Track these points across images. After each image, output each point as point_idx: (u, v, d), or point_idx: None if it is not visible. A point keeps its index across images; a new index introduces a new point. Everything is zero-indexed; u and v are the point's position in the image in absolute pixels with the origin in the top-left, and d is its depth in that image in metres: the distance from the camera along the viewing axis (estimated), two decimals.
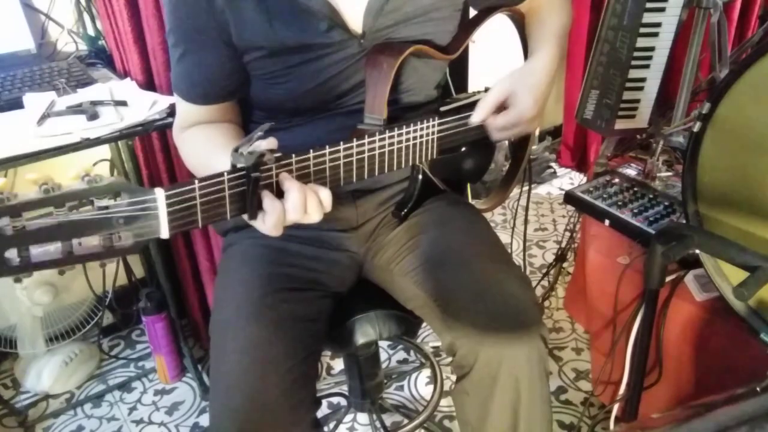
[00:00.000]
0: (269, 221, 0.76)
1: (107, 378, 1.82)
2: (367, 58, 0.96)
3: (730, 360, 1.14)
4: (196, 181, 0.70)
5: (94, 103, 1.29)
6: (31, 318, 1.67)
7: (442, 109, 1.04)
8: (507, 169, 1.29)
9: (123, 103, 1.32)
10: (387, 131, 0.92)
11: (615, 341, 1.30)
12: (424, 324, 1.11)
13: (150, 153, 1.62)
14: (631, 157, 1.63)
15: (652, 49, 1.41)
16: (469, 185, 1.26)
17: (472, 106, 1.07)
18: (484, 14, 1.09)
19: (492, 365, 0.92)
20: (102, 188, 0.61)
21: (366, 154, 0.89)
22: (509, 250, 2.18)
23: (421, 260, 1.03)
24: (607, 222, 1.40)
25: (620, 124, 1.49)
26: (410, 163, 0.99)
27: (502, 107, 1.02)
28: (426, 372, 1.79)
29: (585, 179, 1.74)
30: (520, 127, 1.03)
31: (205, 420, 1.67)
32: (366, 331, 1.10)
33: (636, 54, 1.40)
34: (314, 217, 0.78)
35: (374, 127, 0.95)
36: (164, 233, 0.67)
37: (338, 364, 1.81)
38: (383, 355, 1.85)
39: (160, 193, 0.66)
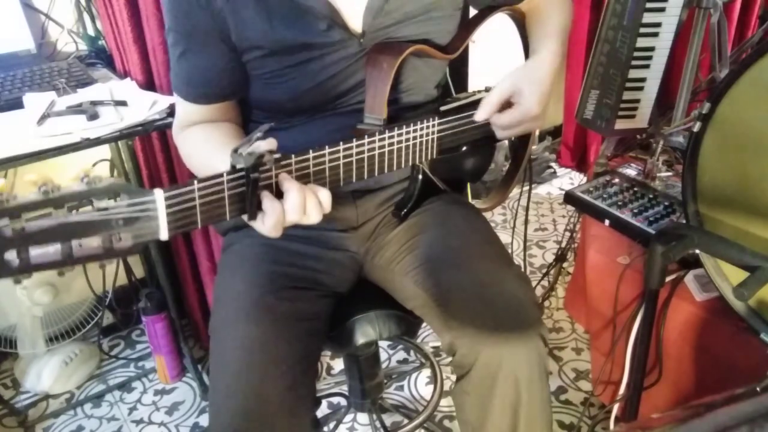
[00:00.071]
0: (268, 222, 0.76)
1: (107, 378, 1.82)
2: (367, 57, 0.96)
3: (730, 360, 1.14)
4: (196, 182, 0.70)
5: (94, 103, 1.29)
6: (31, 318, 1.67)
7: (442, 108, 1.04)
8: (507, 169, 1.29)
9: (123, 103, 1.32)
10: (387, 131, 0.92)
11: (615, 341, 1.30)
12: (424, 324, 1.11)
13: (150, 153, 1.62)
14: (631, 157, 1.63)
15: (652, 49, 1.41)
16: (469, 185, 1.26)
17: (472, 105, 1.07)
18: (485, 13, 1.09)
19: (492, 365, 0.92)
20: (101, 189, 0.61)
21: (366, 154, 0.89)
22: (509, 250, 2.18)
23: (421, 260, 1.03)
24: (607, 222, 1.40)
25: (620, 124, 1.49)
26: (410, 163, 0.98)
27: (506, 105, 1.01)
28: (426, 372, 1.79)
29: (585, 179, 1.74)
30: (524, 125, 1.03)
31: (205, 420, 1.67)
32: (366, 331, 1.10)
33: (636, 54, 1.40)
34: (313, 218, 0.78)
35: (374, 127, 0.95)
36: (164, 235, 0.67)
37: (338, 364, 1.81)
38: (383, 355, 1.85)
39: (159, 195, 0.66)
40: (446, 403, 1.65)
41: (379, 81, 0.95)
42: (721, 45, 1.46)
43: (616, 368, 1.33)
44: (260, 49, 0.94)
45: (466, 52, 1.11)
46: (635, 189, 1.46)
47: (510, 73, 1.02)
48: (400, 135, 0.93)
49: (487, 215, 1.22)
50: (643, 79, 1.44)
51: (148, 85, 1.51)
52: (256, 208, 0.75)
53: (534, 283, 1.97)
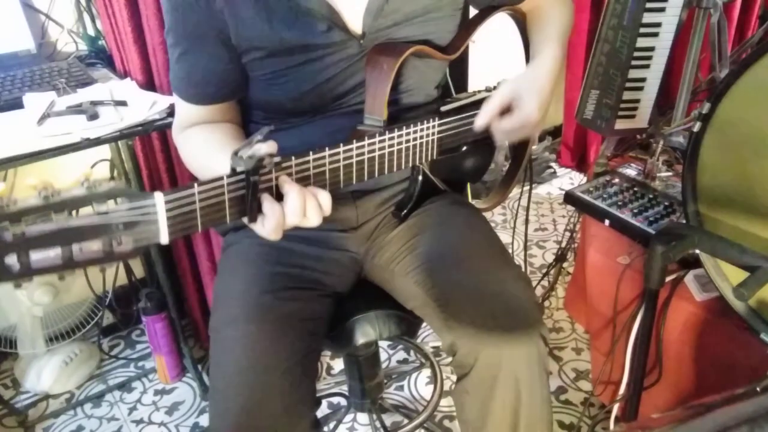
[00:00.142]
0: (269, 225, 0.76)
1: (107, 378, 1.82)
2: (367, 58, 0.96)
3: (730, 360, 1.14)
4: (196, 186, 0.69)
5: (94, 103, 1.29)
6: (31, 318, 1.67)
7: (443, 109, 1.04)
8: (507, 169, 1.29)
9: (123, 103, 1.32)
10: (387, 132, 0.91)
11: (615, 341, 1.30)
12: (424, 324, 1.11)
13: (150, 153, 1.62)
14: (631, 157, 1.63)
15: (652, 49, 1.41)
16: (469, 185, 1.26)
17: (472, 105, 1.07)
18: (485, 13, 1.09)
19: (492, 365, 0.92)
20: (101, 193, 0.61)
21: (366, 156, 0.89)
22: (509, 250, 2.17)
23: (422, 260, 1.03)
24: (607, 222, 1.40)
25: (620, 124, 1.49)
26: (410, 164, 0.98)
27: (505, 111, 1.01)
28: (426, 372, 1.79)
29: (585, 179, 1.74)
30: (524, 130, 1.02)
31: (205, 420, 1.67)
32: (366, 331, 1.09)
33: (636, 54, 1.40)
34: (313, 221, 0.78)
35: (374, 128, 0.95)
36: (164, 239, 0.67)
37: (338, 364, 1.81)
38: (383, 355, 1.85)
39: (159, 198, 0.66)
40: (446, 403, 1.65)
41: (379, 82, 0.95)
42: (721, 45, 1.46)
43: (616, 368, 1.33)
44: (260, 50, 0.94)
45: (466, 52, 1.11)
46: (635, 189, 1.46)
47: (510, 79, 1.02)
48: (400, 136, 0.93)
49: (487, 215, 1.22)
50: (643, 79, 1.44)
51: (148, 85, 1.51)
52: (256, 211, 0.75)
53: (534, 283, 1.98)
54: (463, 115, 1.03)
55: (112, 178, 1.76)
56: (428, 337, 1.87)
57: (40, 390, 1.75)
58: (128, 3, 1.44)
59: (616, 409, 1.35)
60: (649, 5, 1.35)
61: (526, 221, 1.61)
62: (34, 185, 0.58)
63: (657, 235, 1.04)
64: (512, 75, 1.04)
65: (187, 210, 0.69)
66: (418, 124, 0.96)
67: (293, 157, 0.79)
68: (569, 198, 1.49)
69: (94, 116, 1.25)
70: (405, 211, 1.09)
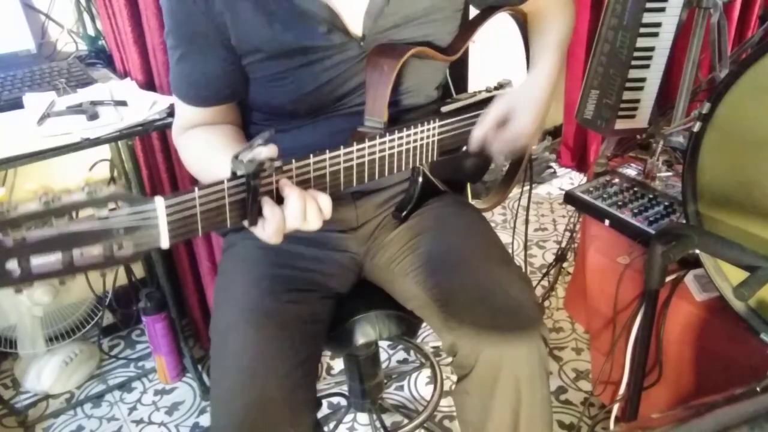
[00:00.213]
0: (269, 229, 0.75)
1: (107, 378, 1.82)
2: (368, 60, 0.96)
3: (730, 360, 1.14)
4: (196, 190, 0.69)
5: (94, 103, 1.29)
6: (31, 318, 1.67)
7: (443, 110, 1.04)
8: (507, 169, 1.29)
9: (123, 103, 1.32)
10: (387, 134, 0.91)
11: (615, 341, 1.30)
12: (424, 324, 1.11)
13: (150, 153, 1.62)
14: (631, 157, 1.63)
15: (652, 49, 1.41)
16: (469, 185, 1.26)
17: (473, 106, 1.07)
18: (487, 14, 1.09)
19: (493, 365, 0.92)
20: (102, 198, 0.61)
21: (366, 158, 0.89)
22: (509, 250, 2.17)
23: (422, 261, 1.03)
24: (607, 222, 1.40)
25: (620, 124, 1.49)
26: (411, 166, 0.98)
27: (501, 123, 1.02)
28: (426, 372, 1.79)
29: (585, 179, 1.74)
30: (519, 143, 1.03)
31: (205, 420, 1.67)
32: (366, 331, 1.09)
33: (636, 54, 1.40)
34: (313, 224, 0.78)
35: (374, 130, 0.95)
36: (164, 243, 0.67)
37: (338, 364, 1.81)
38: (383, 355, 1.85)
39: (159, 203, 0.65)
40: (446, 403, 1.65)
41: (380, 84, 0.95)
42: (721, 45, 1.46)
43: (616, 368, 1.33)
44: (260, 53, 0.93)
45: (466, 52, 1.11)
46: (635, 189, 1.46)
47: (506, 91, 1.03)
48: (400, 138, 0.93)
49: (487, 215, 1.22)
50: (643, 79, 1.44)
51: (148, 85, 1.51)
52: (257, 214, 0.75)
53: (534, 283, 1.98)
54: (464, 116, 1.03)
55: (112, 178, 1.76)
56: (428, 337, 1.87)
57: (40, 390, 1.75)
58: (128, 3, 1.44)
59: (616, 409, 1.35)
60: (649, 5, 1.35)
61: (526, 221, 1.61)
62: (35, 190, 0.58)
63: (657, 235, 1.05)
64: (509, 86, 1.06)
65: (187, 214, 0.69)
66: (419, 125, 0.96)
67: (294, 161, 0.79)
68: (569, 198, 1.49)
69: (94, 116, 1.25)
70: (405, 212, 1.09)
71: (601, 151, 1.64)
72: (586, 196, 1.46)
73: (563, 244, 1.87)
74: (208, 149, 0.96)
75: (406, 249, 1.06)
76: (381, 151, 0.91)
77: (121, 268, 1.88)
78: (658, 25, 1.38)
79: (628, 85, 1.43)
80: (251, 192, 0.73)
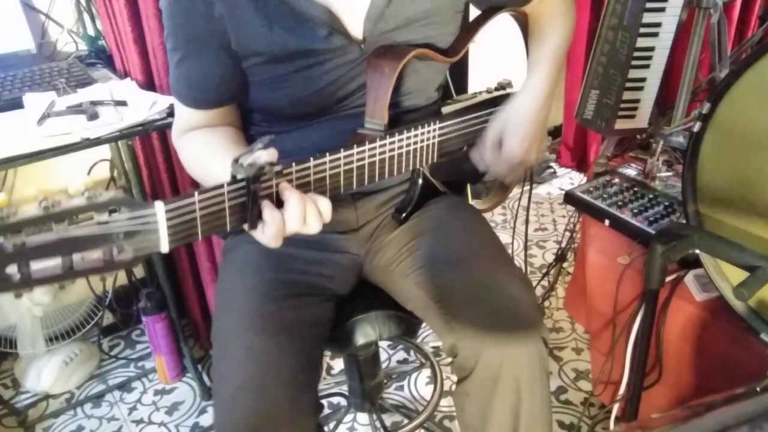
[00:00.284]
0: (269, 232, 0.75)
1: (107, 378, 1.82)
2: (368, 61, 0.96)
3: (730, 360, 1.14)
4: (196, 194, 0.69)
5: (94, 103, 1.29)
6: (31, 318, 1.67)
7: (444, 111, 1.04)
8: None
9: (123, 103, 1.32)
10: (388, 137, 0.91)
11: (615, 341, 1.30)
12: (424, 324, 1.11)
13: (150, 153, 1.63)
14: (631, 157, 1.63)
15: (652, 49, 1.41)
16: (469, 186, 1.26)
17: (473, 108, 1.07)
18: (488, 14, 1.08)
19: (493, 367, 0.92)
20: (102, 203, 0.61)
21: (366, 161, 0.89)
22: (509, 250, 2.18)
23: (422, 262, 1.03)
24: (607, 222, 1.40)
25: (620, 124, 1.49)
26: (411, 168, 0.98)
27: (498, 144, 1.04)
28: (426, 372, 1.79)
29: (585, 179, 1.74)
30: (516, 162, 1.04)
31: (205, 420, 1.67)
32: (366, 331, 1.09)
33: (636, 54, 1.40)
34: (313, 227, 0.78)
35: (375, 132, 0.95)
36: (164, 247, 0.67)
37: (338, 364, 1.81)
38: (383, 355, 1.85)
39: (159, 207, 0.65)
40: (446, 403, 1.65)
41: (381, 85, 0.94)
42: (721, 45, 1.46)
43: (616, 368, 1.33)
44: (260, 56, 0.93)
45: (466, 52, 1.11)
46: (635, 189, 1.46)
47: (498, 113, 1.04)
48: (401, 141, 0.93)
49: (487, 215, 1.22)
50: (643, 79, 1.44)
51: (148, 85, 1.51)
52: (256, 218, 0.75)
53: (534, 283, 1.98)
54: (464, 118, 1.03)
55: (112, 178, 1.76)
56: (428, 337, 1.87)
57: (40, 390, 1.75)
58: (128, 3, 1.44)
59: (616, 409, 1.35)
60: (649, 5, 1.35)
61: (527, 221, 1.61)
62: (34, 195, 0.58)
63: (657, 235, 1.04)
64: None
65: (187, 219, 0.69)
66: (419, 127, 0.95)
67: (294, 164, 0.78)
68: (569, 198, 1.49)
69: (94, 116, 1.25)
70: (405, 213, 1.09)
71: (601, 151, 1.64)
72: (586, 196, 1.46)
73: (563, 244, 1.87)
74: (207, 151, 0.96)
75: (407, 250, 1.06)
76: (381, 153, 0.90)
77: None
78: (658, 25, 1.38)
79: (628, 85, 1.43)
80: (251, 196, 0.73)
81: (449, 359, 1.00)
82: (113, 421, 1.68)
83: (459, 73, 1.23)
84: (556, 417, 1.59)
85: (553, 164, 2.77)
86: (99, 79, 1.45)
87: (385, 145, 0.91)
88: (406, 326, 1.12)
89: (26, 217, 0.57)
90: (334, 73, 0.96)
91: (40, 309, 1.67)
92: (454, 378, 1.02)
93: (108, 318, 1.94)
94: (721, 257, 1.02)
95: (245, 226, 0.75)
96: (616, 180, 1.50)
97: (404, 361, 1.85)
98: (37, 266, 0.58)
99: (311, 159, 0.81)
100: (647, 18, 1.37)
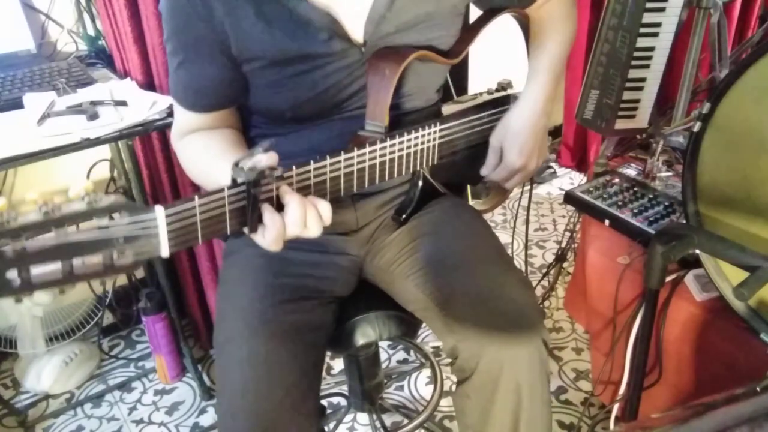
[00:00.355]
0: (269, 236, 0.75)
1: (107, 378, 1.82)
2: (369, 63, 0.95)
3: (730, 360, 1.14)
4: (196, 198, 0.69)
5: (94, 103, 1.29)
6: (31, 318, 1.67)
7: (444, 112, 1.04)
8: None
9: (123, 103, 1.32)
10: (388, 139, 0.91)
11: (615, 341, 1.30)
12: (423, 324, 1.11)
13: (150, 153, 1.63)
14: (631, 157, 1.63)
15: (652, 49, 1.41)
16: (469, 186, 1.26)
17: (473, 109, 1.07)
18: (490, 15, 1.08)
19: (494, 369, 0.92)
20: (102, 208, 0.61)
21: (367, 164, 0.88)
22: (509, 250, 2.18)
23: (423, 263, 1.02)
24: (607, 222, 1.40)
25: (620, 124, 1.49)
26: (411, 170, 0.98)
27: (501, 157, 1.08)
28: (426, 372, 1.79)
29: (585, 179, 1.74)
30: (516, 172, 1.08)
31: (205, 420, 1.67)
32: (366, 332, 1.09)
33: (636, 54, 1.40)
34: (313, 231, 0.78)
35: (375, 134, 0.94)
36: (164, 252, 0.67)
37: (338, 364, 1.81)
38: (383, 355, 1.85)
39: (160, 212, 0.65)
40: (446, 403, 1.65)
41: (381, 88, 0.94)
42: (721, 45, 1.46)
43: (616, 368, 1.33)
44: (261, 60, 0.92)
45: (467, 53, 1.11)
46: (635, 189, 1.46)
47: (497, 125, 1.08)
48: (401, 143, 0.93)
49: (487, 215, 1.22)
50: (643, 79, 1.44)
51: (148, 85, 1.51)
52: (257, 221, 0.75)
53: (534, 283, 1.98)
54: (465, 120, 1.03)
55: (112, 178, 1.76)
56: (428, 337, 1.87)
57: (40, 390, 1.75)
58: (128, 3, 1.44)
59: (616, 409, 1.35)
60: (649, 5, 1.35)
61: (527, 221, 1.61)
62: (35, 200, 0.58)
63: (657, 235, 1.04)
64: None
65: (187, 223, 0.69)
66: (420, 129, 0.95)
67: (294, 167, 0.78)
68: (569, 198, 1.49)
69: (94, 116, 1.25)
70: (405, 215, 1.09)
71: (601, 151, 1.64)
72: (586, 196, 1.46)
73: (563, 244, 1.87)
74: (207, 154, 0.95)
75: (407, 251, 1.06)
76: (382, 156, 0.90)
77: None
78: (658, 25, 1.38)
79: (628, 85, 1.43)
80: (251, 199, 0.73)
81: (449, 360, 1.00)
82: (113, 421, 1.68)
83: (459, 73, 1.23)
84: (556, 417, 1.59)
85: (553, 164, 2.77)
86: (99, 79, 1.45)
87: (385, 147, 0.90)
88: (407, 327, 1.12)
89: (26, 222, 0.57)
90: (335, 77, 0.95)
91: (40, 309, 1.67)
92: (454, 378, 1.02)
93: (108, 318, 1.94)
94: (721, 257, 1.02)
95: (245, 230, 0.75)
96: (616, 180, 1.50)
97: (404, 361, 1.85)
98: (38, 271, 0.58)
99: (311, 162, 0.80)
100: (647, 18, 1.37)
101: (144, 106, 1.31)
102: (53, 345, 1.74)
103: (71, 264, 0.60)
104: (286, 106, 0.98)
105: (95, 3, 1.58)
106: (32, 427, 1.66)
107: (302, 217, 0.76)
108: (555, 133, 2.83)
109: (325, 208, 0.78)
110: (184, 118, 1.01)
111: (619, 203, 1.41)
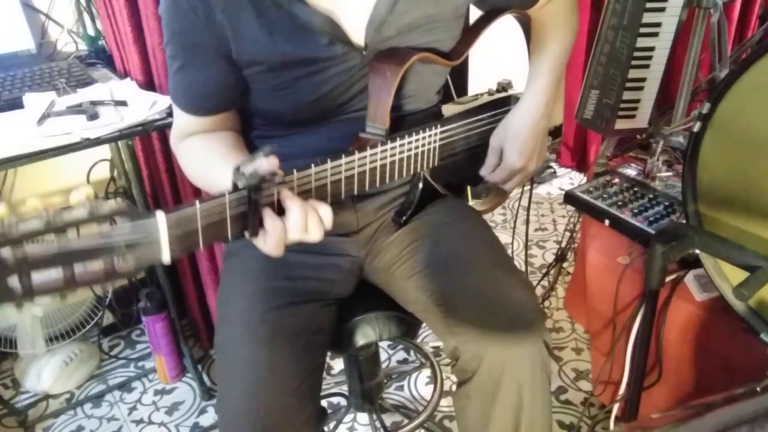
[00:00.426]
0: (270, 241, 0.75)
1: (107, 378, 1.82)
2: (371, 65, 0.95)
3: (730, 360, 1.14)
4: (197, 203, 0.69)
5: (94, 103, 1.29)
6: (31, 318, 1.67)
7: (444, 114, 1.04)
8: None
9: (123, 103, 1.32)
10: (389, 142, 0.90)
11: (615, 341, 1.30)
12: (424, 324, 1.11)
13: (150, 153, 1.62)
14: (631, 157, 1.63)
15: (652, 49, 1.41)
16: (469, 187, 1.26)
17: (473, 111, 1.07)
18: (491, 16, 1.08)
19: (495, 370, 0.91)
20: (103, 214, 0.60)
21: (368, 167, 0.88)
22: (509, 250, 2.18)
23: (424, 264, 1.02)
24: (607, 222, 1.40)
25: (620, 124, 1.49)
26: (412, 172, 0.98)
27: (501, 158, 1.09)
28: (426, 372, 1.79)
29: (585, 179, 1.74)
30: (515, 173, 1.09)
31: (205, 420, 1.67)
32: (366, 332, 1.09)
33: (636, 54, 1.40)
34: (315, 235, 0.77)
35: (376, 137, 0.94)
36: (166, 258, 0.67)
37: (338, 364, 1.81)
38: (383, 355, 1.85)
39: (161, 218, 0.65)
40: (446, 403, 1.65)
41: (383, 90, 0.94)
42: (721, 45, 1.46)
43: (616, 368, 1.33)
44: (261, 65, 0.92)
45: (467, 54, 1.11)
46: (635, 189, 1.46)
47: (498, 126, 1.09)
48: (402, 145, 0.92)
49: (487, 215, 1.22)
50: (643, 79, 1.44)
51: (148, 85, 1.51)
52: (257, 226, 0.75)
53: (534, 283, 1.98)
54: (465, 122, 1.03)
55: (112, 178, 1.76)
56: (428, 337, 1.87)
57: (40, 390, 1.75)
58: (128, 3, 1.44)
59: (616, 409, 1.35)
60: (649, 5, 1.35)
61: (527, 221, 1.61)
62: (35, 206, 0.58)
63: (657, 235, 1.04)
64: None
65: (189, 229, 0.68)
66: (420, 132, 0.95)
67: (295, 171, 0.78)
68: (569, 198, 1.49)
69: (94, 116, 1.25)
70: (405, 217, 1.09)
71: (601, 151, 1.64)
72: (586, 196, 1.46)
73: (563, 244, 1.87)
74: (207, 158, 0.95)
75: (407, 252, 1.06)
76: (383, 159, 0.90)
77: None
78: (658, 25, 1.38)
79: (628, 85, 1.43)
80: (252, 205, 0.72)
81: (450, 360, 1.00)
82: (113, 421, 1.68)
83: (459, 74, 1.23)
84: (556, 417, 1.59)
85: (553, 164, 2.77)
86: (99, 79, 1.45)
87: (386, 150, 0.90)
88: (407, 327, 1.12)
89: (27, 229, 0.57)
90: (336, 80, 0.95)
91: (40, 309, 1.67)
92: (454, 378, 1.02)
93: (108, 318, 1.94)
94: (721, 257, 1.03)
95: (246, 234, 0.75)
96: (616, 180, 1.50)
97: (404, 361, 1.85)
98: (39, 278, 0.58)
99: (312, 166, 0.80)
100: (647, 18, 1.37)
101: (144, 106, 1.31)
102: (53, 345, 1.74)
103: (72, 271, 0.60)
104: (287, 109, 0.98)
105: (95, 3, 1.58)
106: (32, 427, 1.66)
107: (303, 222, 0.75)
108: (555, 133, 2.83)
109: (326, 212, 0.78)
110: (183, 122, 1.00)
111: (619, 203, 1.41)
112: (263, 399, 0.88)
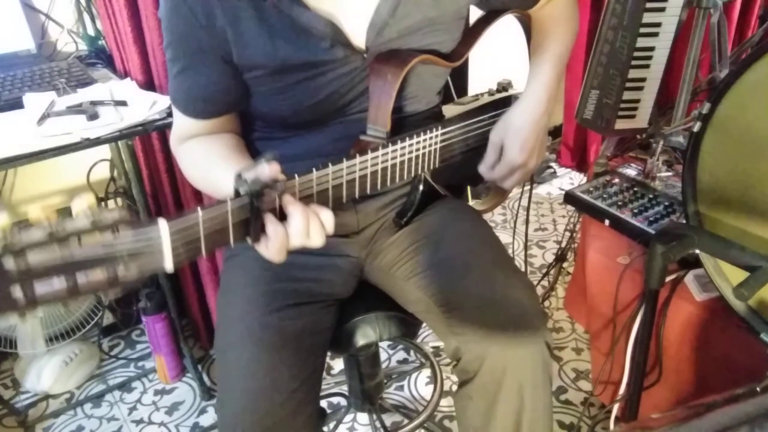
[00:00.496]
0: (273, 247, 0.75)
1: (107, 378, 1.82)
2: (371, 67, 0.95)
3: (730, 360, 1.14)
4: (200, 211, 0.69)
5: (94, 103, 1.29)
6: (31, 318, 1.67)
7: (445, 115, 1.04)
8: None
9: (123, 103, 1.32)
10: (390, 144, 0.90)
11: (615, 341, 1.30)
12: (424, 324, 1.11)
13: (150, 153, 1.63)
14: (631, 157, 1.63)
15: (652, 49, 1.41)
16: (469, 187, 1.26)
17: (474, 112, 1.07)
18: (491, 17, 1.08)
19: (497, 371, 0.91)
20: (105, 224, 0.60)
21: (369, 170, 0.88)
22: (509, 250, 2.17)
23: (424, 266, 1.02)
24: (607, 222, 1.40)
25: (620, 124, 1.49)
26: (413, 174, 0.98)
27: (500, 155, 1.07)
28: (426, 372, 1.79)
29: (585, 179, 1.74)
30: (516, 170, 1.07)
31: (205, 420, 1.67)
32: (366, 333, 1.09)
33: (636, 54, 1.40)
34: (316, 241, 0.77)
35: (377, 139, 0.94)
36: (168, 266, 0.66)
37: (338, 364, 1.81)
38: (383, 355, 1.85)
39: (163, 227, 0.65)
40: (446, 403, 1.65)
41: (383, 92, 0.94)
42: (721, 45, 1.46)
43: (616, 368, 1.33)
44: (262, 69, 0.92)
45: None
46: (635, 189, 1.46)
47: (498, 123, 1.07)
48: (403, 148, 0.92)
49: (487, 215, 1.21)
50: (643, 79, 1.44)
51: (148, 85, 1.51)
52: (259, 232, 0.75)
53: (534, 283, 1.97)
54: (466, 123, 1.03)
55: (112, 178, 1.76)
56: (428, 337, 1.87)
57: (40, 390, 1.75)
58: (128, 3, 1.44)
59: (616, 409, 1.35)
60: (649, 5, 1.35)
61: (527, 221, 1.61)
62: (38, 216, 0.58)
63: (657, 235, 1.04)
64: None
65: (191, 237, 0.68)
66: (421, 134, 0.95)
67: (296, 176, 0.78)
68: (569, 198, 1.49)
69: (94, 116, 1.25)
70: (406, 218, 1.09)
71: (601, 151, 1.64)
72: (586, 196, 1.46)
73: (563, 244, 1.87)
74: (208, 161, 0.95)
75: (408, 253, 1.06)
76: (384, 162, 0.90)
77: None
78: (658, 25, 1.38)
79: (628, 85, 1.43)
80: (254, 211, 0.72)
81: (451, 361, 1.00)
82: (113, 421, 1.68)
83: (459, 74, 1.23)
84: (556, 417, 1.59)
85: (553, 164, 2.77)
86: (99, 79, 1.45)
87: (387, 153, 0.90)
88: (407, 327, 1.12)
89: (30, 240, 0.57)
90: (337, 83, 0.95)
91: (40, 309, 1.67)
92: (455, 378, 1.02)
93: (108, 318, 1.94)
94: (721, 257, 1.03)
95: (248, 240, 0.75)
96: (616, 180, 1.50)
97: (404, 361, 1.85)
98: (42, 288, 0.58)
99: (314, 171, 0.80)
100: (647, 18, 1.37)
101: (144, 106, 1.31)
102: (53, 345, 1.74)
103: (75, 280, 0.60)
104: (288, 112, 0.98)
105: (95, 3, 1.58)
106: (32, 427, 1.66)
107: (305, 228, 0.75)
108: (555, 133, 2.83)
109: (327, 217, 0.78)
110: (183, 124, 1.00)
111: (619, 203, 1.41)
112: (263, 400, 0.88)
